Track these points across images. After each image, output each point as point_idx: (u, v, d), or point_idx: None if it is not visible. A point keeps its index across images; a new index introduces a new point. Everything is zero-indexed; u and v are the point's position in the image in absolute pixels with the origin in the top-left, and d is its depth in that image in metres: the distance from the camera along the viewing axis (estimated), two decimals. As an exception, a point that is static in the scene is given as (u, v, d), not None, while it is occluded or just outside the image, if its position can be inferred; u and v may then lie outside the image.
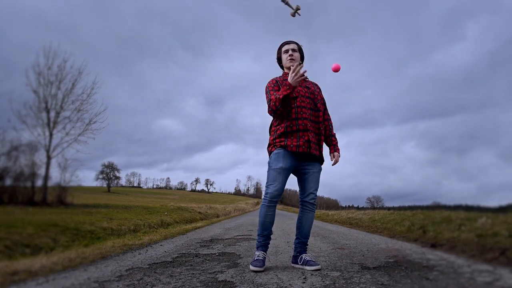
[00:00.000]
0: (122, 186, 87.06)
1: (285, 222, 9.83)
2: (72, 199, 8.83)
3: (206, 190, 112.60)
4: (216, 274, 2.15)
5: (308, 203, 2.40)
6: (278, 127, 2.40)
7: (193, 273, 2.19)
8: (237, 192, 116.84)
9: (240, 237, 4.87)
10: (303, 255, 2.37)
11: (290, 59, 2.46)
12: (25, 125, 8.38)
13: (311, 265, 2.26)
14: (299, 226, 2.45)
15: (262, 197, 2.46)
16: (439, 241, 3.43)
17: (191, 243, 4.02)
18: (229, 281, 1.95)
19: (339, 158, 2.51)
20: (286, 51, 2.48)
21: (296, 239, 2.47)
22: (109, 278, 2.05)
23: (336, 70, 2.40)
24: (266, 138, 2.53)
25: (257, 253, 2.36)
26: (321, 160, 2.45)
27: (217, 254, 3.11)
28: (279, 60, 2.56)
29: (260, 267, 2.21)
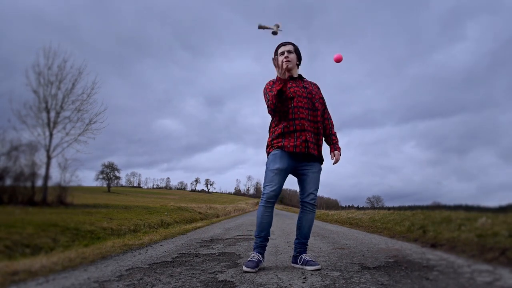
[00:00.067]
0: (122, 186, 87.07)
1: (285, 222, 9.83)
2: (72, 199, 8.84)
3: (206, 190, 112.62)
4: (216, 274, 2.15)
5: (308, 204, 2.40)
6: (275, 128, 2.41)
7: (193, 273, 2.19)
8: (237, 192, 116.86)
9: (240, 237, 4.87)
10: (303, 255, 2.37)
11: (286, 61, 2.45)
12: (25, 125, 8.40)
13: (311, 265, 2.26)
14: (299, 227, 2.45)
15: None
16: (439, 241, 3.43)
17: (191, 243, 4.02)
18: (229, 281, 1.95)
19: (340, 157, 2.50)
20: (282, 53, 2.47)
21: (296, 239, 2.47)
22: (109, 278, 2.05)
23: (338, 60, 2.40)
24: (266, 138, 2.53)
25: (252, 254, 2.36)
26: (320, 160, 2.44)
27: (217, 254, 3.11)
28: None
29: (252, 268, 2.20)
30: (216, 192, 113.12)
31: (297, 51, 2.50)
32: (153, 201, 25.32)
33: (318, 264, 2.28)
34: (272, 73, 2.57)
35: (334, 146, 2.51)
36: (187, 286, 1.84)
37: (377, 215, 7.54)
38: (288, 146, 2.32)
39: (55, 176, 8.83)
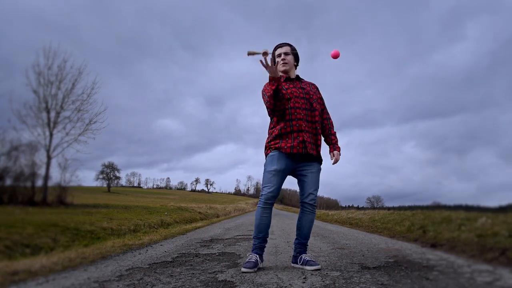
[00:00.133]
0: (122, 186, 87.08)
1: (285, 222, 9.83)
2: (72, 199, 8.83)
3: (206, 190, 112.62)
4: (216, 274, 2.15)
5: (307, 205, 2.39)
6: (273, 129, 2.41)
7: (193, 273, 2.19)
8: (237, 192, 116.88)
9: (240, 237, 4.87)
10: (303, 255, 2.37)
11: (283, 63, 2.46)
12: (25, 125, 8.40)
13: (311, 265, 2.26)
14: (299, 227, 2.45)
15: None
16: (439, 241, 3.43)
17: (191, 243, 4.02)
18: (229, 281, 1.95)
19: (340, 157, 2.49)
20: (279, 55, 2.47)
21: (296, 239, 2.46)
22: (109, 278, 2.05)
23: (335, 56, 2.40)
24: (266, 138, 2.53)
25: (249, 255, 2.35)
26: (319, 160, 2.44)
27: (217, 254, 3.11)
28: (274, 63, 2.55)
29: (250, 268, 2.20)
30: (216, 192, 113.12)
31: (294, 52, 2.49)
32: (153, 201, 25.31)
33: (318, 264, 2.28)
34: (267, 74, 2.57)
35: (334, 146, 2.51)
36: (187, 286, 1.84)
37: (377, 215, 7.54)
38: (285, 147, 2.32)
39: (55, 176, 8.84)
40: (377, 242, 3.91)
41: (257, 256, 2.33)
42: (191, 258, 2.84)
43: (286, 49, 2.46)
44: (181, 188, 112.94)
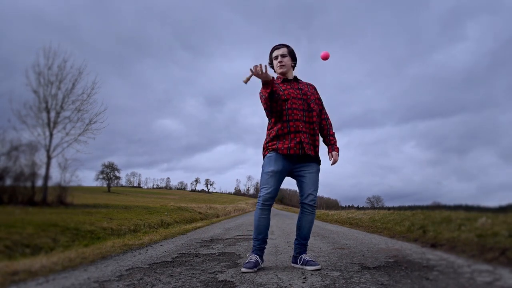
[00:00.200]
0: (122, 186, 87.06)
1: (285, 222, 9.83)
2: (72, 199, 8.83)
3: (206, 190, 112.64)
4: (216, 274, 2.15)
5: (307, 205, 2.38)
6: (271, 130, 2.41)
7: (193, 273, 2.19)
8: (237, 192, 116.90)
9: (240, 237, 4.87)
10: (303, 255, 2.36)
11: (280, 66, 2.45)
12: (25, 125, 8.40)
13: (311, 265, 2.26)
14: (299, 228, 2.44)
15: None
16: (439, 241, 3.43)
17: (191, 243, 4.02)
18: (229, 281, 1.95)
19: (338, 158, 2.48)
20: (276, 58, 2.47)
21: (295, 240, 2.46)
22: (109, 278, 2.05)
23: (325, 58, 2.39)
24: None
25: (250, 255, 2.36)
26: (317, 161, 2.43)
27: (217, 254, 3.11)
28: (271, 65, 2.55)
29: (250, 268, 2.20)
30: (216, 192, 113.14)
31: (291, 53, 2.48)
32: (153, 201, 25.31)
33: (318, 264, 2.28)
34: (272, 74, 2.57)
35: (332, 147, 2.50)
36: (187, 286, 1.84)
37: (377, 215, 7.54)
38: (282, 148, 2.32)
39: (55, 176, 8.83)
40: (377, 242, 3.91)
41: (257, 256, 2.33)
42: (191, 258, 2.84)
43: (282, 50, 2.46)
44: (181, 188, 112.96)
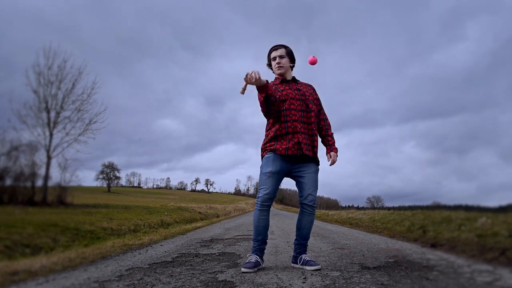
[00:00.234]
0: (122, 186, 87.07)
1: (285, 222, 9.83)
2: (72, 199, 8.83)
3: (206, 190, 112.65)
4: (216, 274, 2.15)
5: (307, 206, 2.38)
6: (269, 131, 2.42)
7: (193, 273, 2.19)
8: (237, 192, 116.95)
9: (240, 237, 4.87)
10: (303, 255, 2.37)
11: (278, 67, 2.45)
12: (25, 125, 8.40)
13: (311, 265, 2.26)
14: (299, 228, 2.44)
15: None
16: (439, 241, 3.43)
17: (191, 243, 4.02)
18: (229, 281, 1.95)
19: (336, 158, 2.48)
20: (274, 59, 2.47)
21: (295, 240, 2.46)
22: (109, 278, 2.05)
23: (313, 63, 2.39)
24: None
25: (250, 255, 2.36)
26: (315, 161, 2.43)
27: (217, 254, 3.11)
28: (270, 66, 2.55)
29: (250, 268, 2.20)
30: (216, 192, 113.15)
31: (289, 54, 2.48)
32: (153, 201, 25.31)
33: (318, 264, 2.28)
34: (271, 75, 2.57)
35: (331, 147, 2.50)
36: (187, 286, 1.84)
37: (377, 215, 7.54)
38: (280, 149, 2.32)
39: (55, 176, 8.83)
40: (377, 242, 3.91)
41: (257, 256, 2.33)
42: (191, 258, 2.84)
43: (281, 51, 2.45)
44: (181, 188, 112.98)
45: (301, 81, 2.57)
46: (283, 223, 8.90)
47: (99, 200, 15.05)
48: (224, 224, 8.74)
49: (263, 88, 2.18)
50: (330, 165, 2.48)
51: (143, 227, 6.49)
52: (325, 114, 2.57)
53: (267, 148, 2.39)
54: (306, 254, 2.40)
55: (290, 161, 2.35)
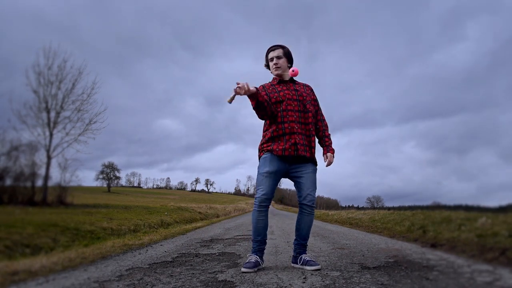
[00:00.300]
0: (122, 186, 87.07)
1: (285, 222, 9.83)
2: (72, 199, 8.83)
3: (206, 190, 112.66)
4: (216, 274, 2.15)
5: (305, 206, 2.38)
6: (266, 132, 2.42)
7: (193, 273, 2.19)
8: (237, 192, 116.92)
9: (240, 237, 4.87)
10: (303, 255, 2.37)
11: (275, 68, 2.45)
12: (25, 125, 8.40)
13: (311, 265, 2.26)
14: (298, 228, 2.44)
15: None
16: (439, 241, 3.43)
17: (191, 243, 4.02)
18: (229, 281, 1.95)
19: (333, 159, 2.48)
20: (271, 60, 2.47)
21: (295, 240, 2.46)
22: (109, 278, 2.05)
23: (294, 75, 2.38)
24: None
25: (250, 255, 2.36)
26: (313, 161, 2.43)
27: (217, 254, 3.11)
28: (268, 66, 2.55)
29: (250, 268, 2.20)
30: (216, 192, 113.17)
31: (286, 54, 2.47)
32: (153, 201, 25.32)
33: (318, 264, 2.28)
34: (269, 75, 2.57)
35: (327, 148, 2.50)
36: (187, 286, 1.84)
37: (377, 215, 7.54)
38: (277, 149, 2.32)
39: (55, 176, 8.83)
40: (377, 242, 3.91)
41: (257, 256, 2.33)
42: (191, 258, 2.84)
43: (278, 52, 2.45)
44: (181, 188, 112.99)
45: (299, 81, 2.57)
46: (283, 223, 8.90)
47: (99, 200, 15.05)
48: (224, 224, 8.74)
49: (254, 95, 2.19)
50: (326, 166, 2.49)
51: (143, 227, 6.49)
52: (322, 115, 2.57)
53: (264, 148, 2.39)
54: (306, 254, 2.40)
55: (287, 161, 2.35)
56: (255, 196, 2.37)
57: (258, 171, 2.39)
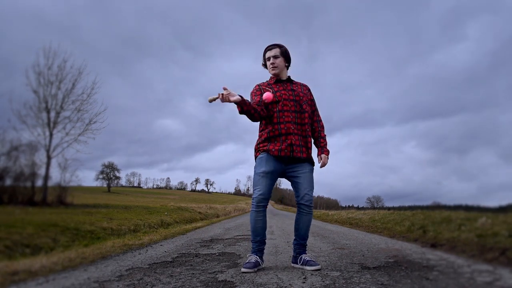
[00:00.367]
0: (122, 186, 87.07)
1: (285, 222, 9.82)
2: (72, 199, 8.84)
3: (206, 190, 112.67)
4: (216, 274, 2.15)
5: (303, 206, 2.38)
6: (262, 132, 2.42)
7: (193, 273, 2.19)
8: (237, 192, 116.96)
9: (240, 237, 4.87)
10: (303, 255, 2.36)
11: (272, 67, 2.45)
12: (25, 125, 8.41)
13: (311, 265, 2.26)
14: (297, 228, 2.44)
15: None
16: (439, 241, 3.43)
17: (191, 243, 4.02)
18: (229, 281, 1.95)
19: (327, 160, 2.48)
20: (268, 59, 2.46)
21: (294, 240, 2.46)
22: (109, 278, 2.05)
23: (268, 100, 2.36)
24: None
25: (249, 256, 2.36)
26: (309, 160, 2.42)
27: (217, 254, 3.11)
28: (265, 66, 2.54)
29: (250, 268, 2.20)
30: (216, 192, 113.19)
31: (284, 54, 2.46)
32: (153, 201, 25.32)
33: (318, 264, 2.28)
34: (266, 74, 2.57)
35: (322, 149, 2.49)
36: (187, 286, 1.84)
37: (377, 215, 7.54)
38: (273, 150, 2.32)
39: (55, 176, 8.84)
40: (377, 242, 3.91)
41: (257, 257, 2.33)
42: (191, 258, 2.84)
43: (275, 51, 2.44)
44: (181, 188, 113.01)
45: (297, 81, 2.56)
46: (283, 223, 8.90)
47: (99, 200, 15.05)
48: (224, 224, 8.74)
49: (238, 104, 2.19)
50: (320, 167, 2.49)
51: (143, 227, 6.49)
52: (319, 116, 2.57)
53: (261, 148, 2.39)
54: (306, 254, 2.40)
55: (283, 161, 2.35)
56: (252, 196, 2.37)
57: (254, 171, 2.39)
